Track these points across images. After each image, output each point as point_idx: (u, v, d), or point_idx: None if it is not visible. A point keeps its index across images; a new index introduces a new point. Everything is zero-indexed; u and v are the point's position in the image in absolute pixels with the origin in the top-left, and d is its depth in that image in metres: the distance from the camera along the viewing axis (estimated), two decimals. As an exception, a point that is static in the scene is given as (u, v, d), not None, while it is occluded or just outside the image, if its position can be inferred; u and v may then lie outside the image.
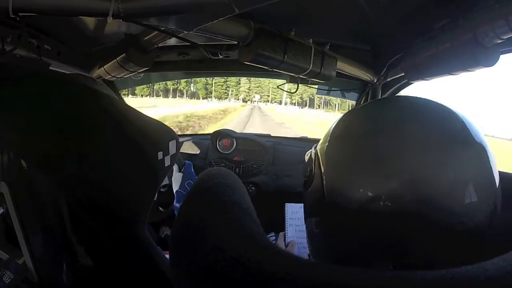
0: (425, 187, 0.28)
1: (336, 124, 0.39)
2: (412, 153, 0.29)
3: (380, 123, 0.33)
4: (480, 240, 0.29)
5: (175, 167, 0.90)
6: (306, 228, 0.43)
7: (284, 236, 0.78)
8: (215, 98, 55.82)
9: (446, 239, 0.28)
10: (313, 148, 0.43)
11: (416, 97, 0.36)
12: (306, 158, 0.45)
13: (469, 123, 0.32)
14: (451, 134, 0.30)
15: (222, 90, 60.54)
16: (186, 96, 54.90)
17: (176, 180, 0.90)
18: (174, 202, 0.90)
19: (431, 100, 0.35)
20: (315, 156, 0.39)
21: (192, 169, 0.93)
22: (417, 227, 0.28)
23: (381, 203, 0.29)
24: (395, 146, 0.30)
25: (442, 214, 0.27)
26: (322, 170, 0.36)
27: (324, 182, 0.35)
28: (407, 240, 0.29)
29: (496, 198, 0.30)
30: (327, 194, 0.34)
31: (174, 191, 0.90)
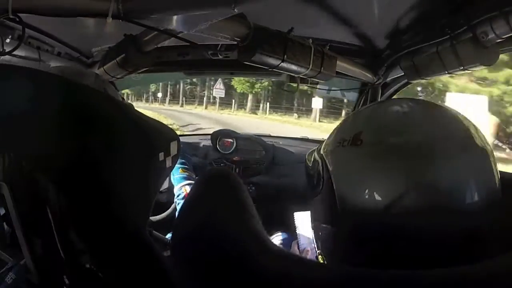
0: (435, 191, 0.28)
1: (342, 128, 0.38)
2: (421, 159, 0.29)
3: (391, 130, 0.33)
4: (482, 240, 0.30)
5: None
6: (314, 233, 0.42)
7: (298, 244, 0.79)
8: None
9: (455, 241, 0.28)
10: (316, 152, 0.41)
11: (425, 101, 0.37)
12: (309, 162, 0.44)
13: (473, 127, 0.32)
14: (455, 140, 0.31)
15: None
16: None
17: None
18: None
19: (436, 104, 0.36)
20: (321, 162, 0.38)
21: (180, 169, 0.83)
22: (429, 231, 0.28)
23: (397, 208, 0.29)
24: (406, 151, 0.30)
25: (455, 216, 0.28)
26: (332, 177, 0.35)
27: (335, 189, 0.34)
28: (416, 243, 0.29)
29: (496, 197, 0.30)
30: (339, 201, 0.33)
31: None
